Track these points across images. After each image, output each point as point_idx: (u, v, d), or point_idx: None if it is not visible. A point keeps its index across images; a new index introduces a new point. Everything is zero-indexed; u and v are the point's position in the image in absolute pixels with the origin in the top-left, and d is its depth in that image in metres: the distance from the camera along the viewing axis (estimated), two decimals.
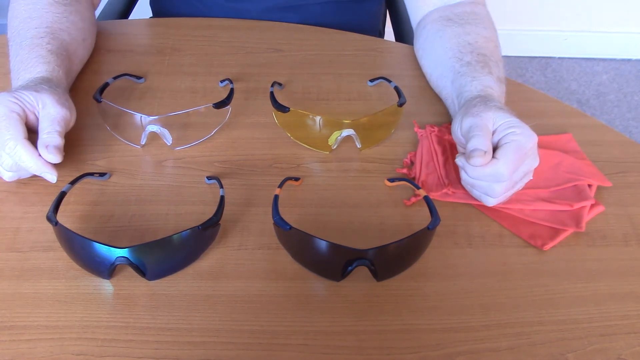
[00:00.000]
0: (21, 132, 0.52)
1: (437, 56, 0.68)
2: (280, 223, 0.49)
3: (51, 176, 0.53)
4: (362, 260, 0.47)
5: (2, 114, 0.52)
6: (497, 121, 0.54)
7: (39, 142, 0.53)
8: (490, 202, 0.54)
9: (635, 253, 0.54)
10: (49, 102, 0.54)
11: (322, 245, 0.47)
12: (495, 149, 0.53)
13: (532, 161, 0.54)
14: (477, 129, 0.53)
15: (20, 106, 0.53)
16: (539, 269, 0.52)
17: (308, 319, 0.47)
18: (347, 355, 0.45)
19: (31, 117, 0.54)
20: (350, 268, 0.47)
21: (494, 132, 0.54)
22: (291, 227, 0.48)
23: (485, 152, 0.51)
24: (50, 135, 0.53)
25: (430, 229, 0.49)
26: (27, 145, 0.52)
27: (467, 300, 0.49)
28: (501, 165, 0.51)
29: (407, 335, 0.46)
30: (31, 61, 0.60)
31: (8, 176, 0.55)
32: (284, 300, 0.48)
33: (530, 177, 0.55)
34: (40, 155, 0.52)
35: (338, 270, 0.48)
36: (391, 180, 0.59)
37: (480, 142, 0.51)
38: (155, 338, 0.45)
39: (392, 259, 0.49)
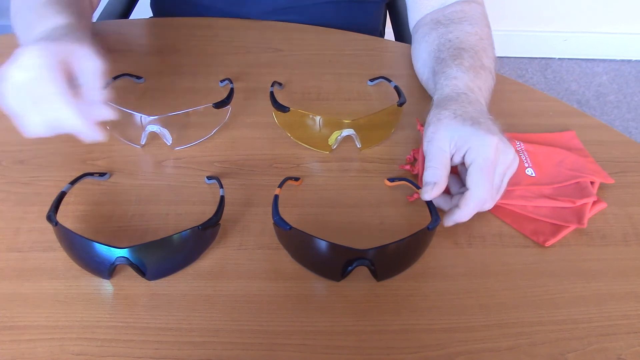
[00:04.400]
0: (65, 83, 0.47)
1: (423, 60, 0.68)
2: (280, 223, 0.49)
3: (100, 135, 0.49)
4: (362, 260, 0.47)
5: (46, 64, 0.46)
6: (453, 137, 0.52)
7: (89, 99, 0.49)
8: (487, 207, 0.54)
9: (635, 253, 0.54)
10: (87, 54, 0.50)
11: (322, 245, 0.47)
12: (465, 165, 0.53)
13: (505, 157, 0.52)
14: (429, 158, 0.53)
15: (63, 56, 0.48)
16: (539, 269, 0.52)
17: (308, 319, 0.47)
18: (347, 355, 0.45)
19: (67, 70, 0.49)
20: (350, 268, 0.47)
21: (453, 152, 0.53)
22: (291, 227, 0.48)
23: (435, 183, 0.51)
24: (101, 92, 0.50)
25: (430, 229, 0.49)
26: (71, 99, 0.47)
27: (467, 300, 0.49)
28: (475, 192, 0.51)
29: (407, 335, 0.46)
30: (47, 11, 0.56)
31: (34, 133, 0.49)
32: (284, 300, 0.48)
33: (515, 165, 0.53)
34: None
35: (338, 270, 0.48)
36: (391, 180, 0.59)
37: (429, 175, 0.52)
38: (155, 338, 0.45)
39: (392, 259, 0.49)
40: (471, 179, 0.51)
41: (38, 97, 0.47)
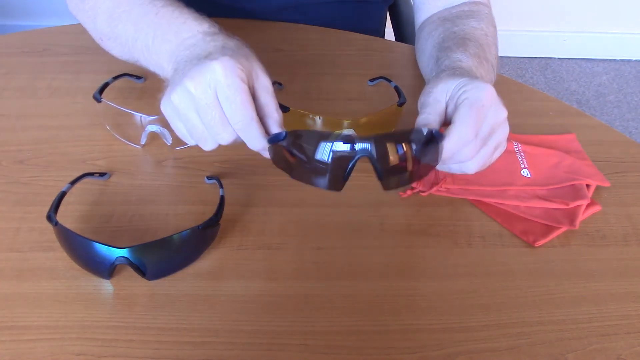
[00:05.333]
0: (254, 107, 0.46)
1: (428, 53, 0.68)
2: (275, 138, 0.47)
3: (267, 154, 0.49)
4: (363, 151, 0.45)
5: (238, 88, 0.45)
6: (449, 89, 0.51)
7: (272, 122, 0.48)
8: (471, 167, 0.50)
9: (635, 253, 0.54)
10: (260, 73, 0.48)
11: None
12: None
13: (496, 112, 0.49)
14: (423, 107, 0.51)
15: (247, 73, 0.47)
16: (539, 269, 0.52)
17: (308, 319, 0.47)
18: (347, 355, 0.45)
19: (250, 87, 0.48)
20: (351, 163, 0.46)
21: (448, 101, 0.51)
22: (287, 133, 0.46)
23: (426, 126, 0.48)
24: (279, 112, 0.49)
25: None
26: (259, 123, 0.47)
27: (467, 300, 0.49)
28: (459, 127, 0.48)
29: (407, 335, 0.46)
30: (192, 14, 0.53)
31: (223, 142, 0.48)
32: (284, 300, 0.48)
33: (504, 131, 0.51)
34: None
35: (335, 177, 0.47)
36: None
37: (421, 119, 0.50)
38: (155, 338, 0.45)
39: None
40: (458, 114, 0.48)
41: (223, 118, 0.46)
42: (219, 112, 0.46)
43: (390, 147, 0.46)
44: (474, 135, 0.48)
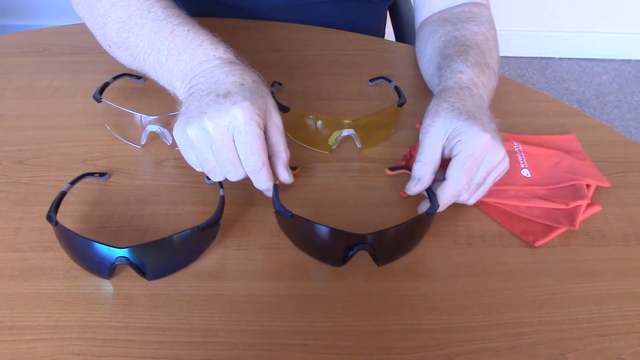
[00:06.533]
0: (267, 154, 0.50)
1: (428, 56, 0.68)
2: (281, 211, 0.49)
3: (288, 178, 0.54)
4: (362, 244, 0.48)
5: (254, 135, 0.47)
6: (447, 131, 0.52)
7: (279, 162, 0.52)
8: (470, 202, 0.55)
9: (635, 253, 0.54)
10: (273, 111, 0.51)
11: (323, 230, 0.48)
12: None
13: (493, 157, 0.52)
14: (420, 151, 0.54)
15: (261, 113, 0.48)
16: (539, 269, 0.52)
17: (308, 319, 0.47)
18: (347, 355, 0.45)
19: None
20: (351, 253, 0.48)
21: (445, 145, 0.53)
22: (292, 215, 0.49)
23: (419, 179, 0.53)
24: (287, 152, 0.52)
25: (429, 214, 0.50)
26: (270, 169, 0.51)
27: (467, 300, 0.49)
28: (452, 183, 0.51)
29: (407, 335, 0.46)
30: (207, 37, 0.53)
31: (233, 179, 0.51)
32: (284, 300, 0.48)
33: (502, 168, 0.53)
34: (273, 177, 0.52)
35: (339, 255, 0.49)
36: (392, 169, 0.59)
37: (416, 169, 0.53)
38: (155, 338, 0.45)
39: (391, 244, 0.50)
40: (450, 170, 0.52)
41: (236, 159, 0.49)
42: (234, 154, 0.48)
43: (388, 241, 0.50)
44: (467, 187, 0.52)
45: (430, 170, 0.53)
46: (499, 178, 0.55)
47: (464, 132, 0.51)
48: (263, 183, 0.51)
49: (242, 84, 0.49)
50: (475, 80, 0.58)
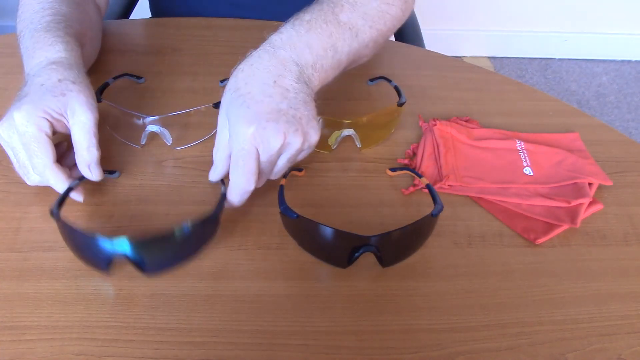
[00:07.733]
0: (51, 155, 0.49)
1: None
2: (287, 212, 0.49)
3: (79, 197, 0.53)
4: (368, 246, 0.47)
5: (32, 135, 0.48)
6: (229, 115, 0.49)
7: (80, 161, 0.51)
8: (271, 177, 0.54)
9: (635, 253, 0.54)
10: (77, 108, 0.50)
11: (329, 232, 0.48)
12: None
13: (267, 146, 0.48)
14: (217, 134, 0.52)
15: (49, 122, 0.49)
16: (539, 269, 0.52)
17: (308, 319, 0.47)
18: (347, 355, 0.45)
19: (60, 128, 0.51)
20: (356, 254, 0.48)
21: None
22: (298, 216, 0.49)
23: (215, 165, 0.53)
24: (90, 152, 0.51)
25: (433, 216, 0.49)
26: (57, 170, 0.50)
27: (467, 300, 0.49)
28: (232, 187, 0.50)
29: (407, 335, 0.46)
30: (49, 39, 0.55)
31: (33, 183, 0.53)
32: (284, 300, 0.48)
33: (294, 148, 0.49)
34: (69, 177, 0.51)
35: (344, 256, 0.49)
36: (393, 169, 0.59)
37: (213, 155, 0.53)
38: (155, 338, 0.45)
39: (396, 245, 0.50)
40: (230, 170, 0.50)
41: (27, 163, 0.50)
42: (24, 156, 0.50)
43: (394, 243, 0.49)
44: (250, 182, 0.49)
45: (223, 157, 0.51)
46: (302, 156, 0.52)
47: (231, 125, 0.48)
48: (55, 185, 0.51)
49: (42, 84, 0.51)
50: (293, 41, 0.51)
